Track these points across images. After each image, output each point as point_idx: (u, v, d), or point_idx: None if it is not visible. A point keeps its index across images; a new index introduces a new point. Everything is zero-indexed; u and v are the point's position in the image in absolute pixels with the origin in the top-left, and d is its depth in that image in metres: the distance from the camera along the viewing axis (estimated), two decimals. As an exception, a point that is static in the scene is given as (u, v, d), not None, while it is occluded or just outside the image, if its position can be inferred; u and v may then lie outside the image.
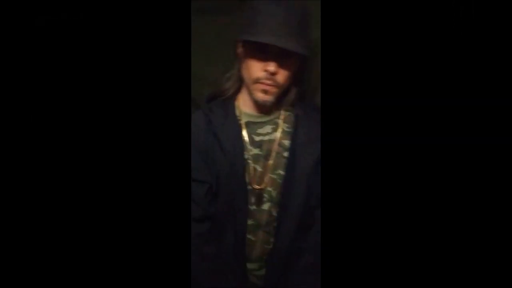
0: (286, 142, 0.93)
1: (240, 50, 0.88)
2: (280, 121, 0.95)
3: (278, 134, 0.93)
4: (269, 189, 0.92)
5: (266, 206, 0.92)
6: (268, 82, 0.86)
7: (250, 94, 0.90)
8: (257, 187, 0.91)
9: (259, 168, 0.92)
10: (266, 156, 0.92)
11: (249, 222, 0.92)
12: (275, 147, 0.93)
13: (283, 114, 0.95)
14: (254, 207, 0.92)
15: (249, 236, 0.93)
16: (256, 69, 0.86)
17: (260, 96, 0.88)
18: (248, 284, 0.95)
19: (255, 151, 0.92)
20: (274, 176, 0.92)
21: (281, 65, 0.85)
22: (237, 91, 0.94)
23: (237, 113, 0.94)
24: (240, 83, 0.93)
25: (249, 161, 0.92)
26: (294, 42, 0.82)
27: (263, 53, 0.84)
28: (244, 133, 0.93)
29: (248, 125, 0.93)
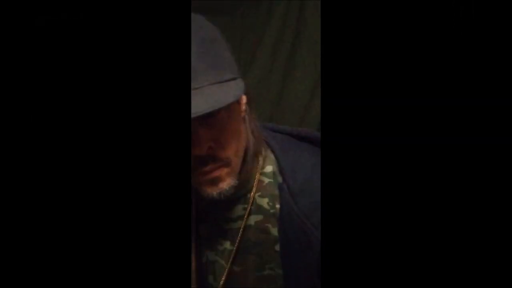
0: (272, 229, 0.66)
1: None
2: (257, 196, 0.67)
3: (258, 217, 0.66)
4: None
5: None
6: (208, 167, 0.61)
7: (198, 192, 0.64)
8: None
9: (236, 268, 0.66)
10: (246, 250, 0.66)
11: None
12: (258, 236, 0.66)
13: (260, 182, 0.67)
14: None
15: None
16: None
17: (210, 190, 0.62)
18: None
19: (225, 245, 0.67)
20: (269, 272, 0.66)
21: (211, 132, 0.61)
22: None
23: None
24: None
25: (216, 260, 0.67)
26: (219, 92, 0.58)
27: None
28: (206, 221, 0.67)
29: (209, 209, 0.68)
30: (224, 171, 0.61)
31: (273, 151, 0.68)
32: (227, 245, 0.66)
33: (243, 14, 1.25)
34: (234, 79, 0.60)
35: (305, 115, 1.24)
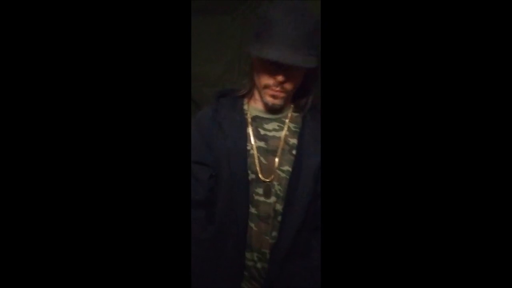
0: (292, 141, 0.98)
1: (253, 61, 0.95)
2: (287, 120, 1.00)
3: (284, 132, 0.99)
4: (275, 183, 0.96)
5: (271, 200, 0.95)
6: (277, 88, 0.93)
7: (261, 97, 0.98)
8: (265, 179, 0.95)
9: (263, 161, 0.96)
10: (273, 152, 0.97)
11: (252, 210, 0.96)
12: (282, 143, 0.97)
13: (290, 114, 1.01)
14: (258, 197, 0.96)
15: (250, 224, 0.96)
16: (266, 77, 0.93)
17: (270, 100, 0.96)
18: (245, 274, 0.98)
19: (260, 143, 0.97)
20: (280, 172, 0.96)
21: (289, 75, 0.92)
22: (249, 92, 1.01)
23: (245, 108, 1.01)
24: (252, 86, 1.00)
25: (253, 152, 0.96)
26: (303, 56, 0.88)
27: (272, 65, 0.89)
28: (250, 126, 0.99)
29: (255, 119, 1.00)
30: (281, 94, 0.95)
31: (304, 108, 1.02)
32: (262, 144, 0.98)
33: (243, 14, 1.25)
34: (314, 55, 0.91)
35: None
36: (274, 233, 0.95)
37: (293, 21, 0.87)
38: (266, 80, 0.92)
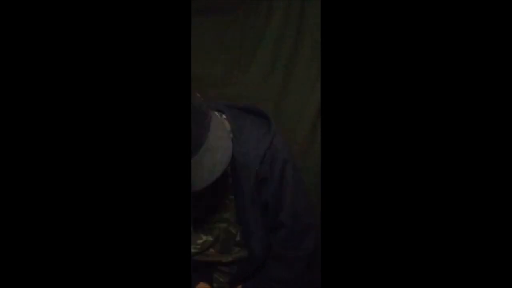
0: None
1: None
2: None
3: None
4: (221, 212, 1.00)
5: (221, 225, 1.01)
6: None
7: None
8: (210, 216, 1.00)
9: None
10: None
11: (206, 238, 1.01)
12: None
13: None
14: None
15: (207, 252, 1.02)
16: None
17: None
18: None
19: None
20: (226, 201, 0.99)
21: None
22: None
23: None
24: None
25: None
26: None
27: None
28: None
29: None
30: None
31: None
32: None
33: (243, 14, 1.25)
34: None
35: (305, 115, 1.23)
36: (235, 249, 1.01)
37: None
38: None
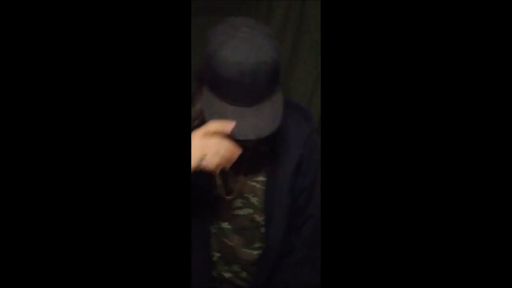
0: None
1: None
2: (250, 196, 0.93)
3: (248, 210, 0.92)
4: (247, 195, 0.92)
5: (244, 212, 0.92)
6: None
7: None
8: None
9: (229, 243, 0.92)
10: (238, 231, 0.92)
11: (224, 225, 0.93)
12: (246, 223, 0.92)
13: (254, 186, 0.93)
14: (231, 211, 0.92)
15: (225, 240, 0.93)
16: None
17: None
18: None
19: (224, 224, 0.93)
20: (254, 183, 0.91)
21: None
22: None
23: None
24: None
25: (214, 232, 0.92)
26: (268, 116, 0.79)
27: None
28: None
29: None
30: None
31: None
32: (225, 225, 0.91)
33: (243, 14, 1.25)
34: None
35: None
36: (258, 244, 0.93)
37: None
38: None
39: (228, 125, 0.76)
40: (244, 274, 0.94)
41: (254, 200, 0.91)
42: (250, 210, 0.91)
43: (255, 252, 0.92)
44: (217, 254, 0.94)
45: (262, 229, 0.91)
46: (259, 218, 0.91)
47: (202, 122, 0.80)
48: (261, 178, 0.91)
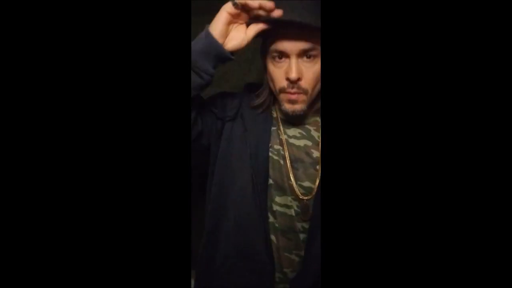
0: (316, 153, 0.88)
1: (263, 57, 0.85)
2: (312, 129, 0.90)
3: (306, 141, 0.89)
4: (291, 197, 0.87)
5: (290, 212, 0.87)
6: (293, 90, 0.82)
7: (280, 105, 0.87)
8: (304, 198, 0.86)
9: (282, 168, 0.87)
10: (291, 162, 0.88)
11: (271, 220, 0.87)
12: (302, 155, 0.88)
13: (318, 121, 0.90)
14: (276, 207, 0.87)
15: (271, 236, 0.87)
16: (278, 78, 0.83)
17: (288, 107, 0.85)
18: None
19: (279, 148, 0.89)
20: (299, 188, 0.87)
21: (303, 68, 0.81)
22: (265, 101, 0.91)
23: (272, 109, 0.92)
24: (272, 96, 0.90)
25: (270, 156, 0.88)
26: (314, 18, 0.77)
27: (282, 56, 0.81)
28: (272, 127, 0.90)
29: (278, 119, 0.90)
30: (301, 97, 0.83)
31: None
32: (281, 149, 0.88)
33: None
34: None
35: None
36: (297, 252, 0.86)
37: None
38: (279, 82, 0.82)
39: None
40: (292, 211, 0.87)
41: (295, 204, 0.87)
42: (294, 213, 0.87)
43: (295, 259, 0.86)
44: (271, 181, 0.88)
45: (302, 237, 0.85)
46: (301, 223, 0.86)
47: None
48: (308, 184, 0.87)
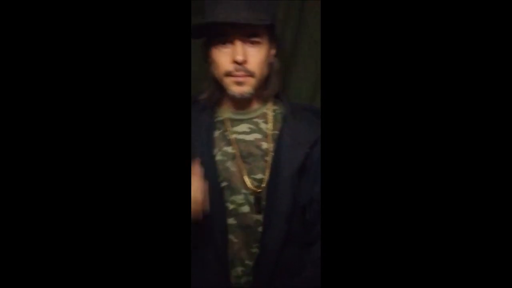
0: (265, 145, 0.90)
1: (206, 49, 0.87)
2: (261, 121, 0.92)
3: (255, 135, 0.90)
4: (247, 192, 0.89)
5: (245, 209, 0.89)
6: (239, 73, 0.83)
7: (227, 90, 0.87)
8: (258, 190, 0.88)
9: (232, 168, 0.89)
10: (243, 157, 0.89)
11: (230, 221, 0.89)
12: (252, 149, 0.90)
13: (266, 113, 0.92)
14: (234, 206, 0.89)
15: (230, 236, 0.89)
16: (224, 62, 0.84)
17: (236, 89, 0.85)
18: None
19: (227, 149, 0.90)
20: (252, 181, 0.89)
21: (249, 52, 0.83)
22: (213, 94, 0.91)
23: (217, 112, 0.92)
24: (219, 88, 0.89)
25: (219, 159, 0.89)
26: (257, 16, 0.80)
27: (226, 41, 0.83)
28: (217, 130, 0.90)
29: (224, 122, 0.91)
30: (248, 79, 0.84)
31: (284, 107, 0.94)
32: (229, 149, 0.89)
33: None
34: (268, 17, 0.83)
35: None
36: (256, 244, 0.88)
37: None
38: (225, 66, 0.83)
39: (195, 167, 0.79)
40: (244, 279, 0.89)
41: (251, 198, 0.88)
42: (248, 208, 0.89)
43: (254, 251, 0.88)
44: (224, 183, 0.89)
45: (260, 229, 0.88)
46: (257, 216, 0.88)
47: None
48: (259, 176, 0.89)
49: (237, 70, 0.83)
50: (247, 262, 0.89)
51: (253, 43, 0.84)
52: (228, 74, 0.84)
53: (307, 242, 0.91)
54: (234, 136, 0.90)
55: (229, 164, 0.89)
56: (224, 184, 0.88)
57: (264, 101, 0.93)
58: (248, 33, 0.83)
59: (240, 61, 0.82)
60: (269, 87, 0.91)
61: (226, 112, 0.92)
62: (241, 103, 0.90)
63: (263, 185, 0.88)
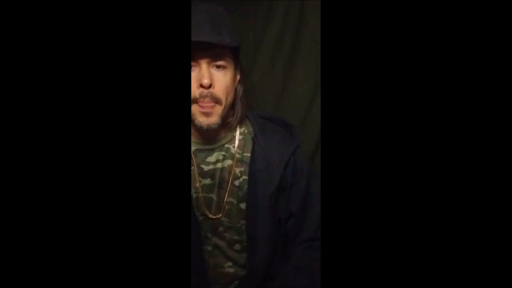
0: (238, 170, 0.91)
1: None
2: (231, 147, 0.92)
3: (229, 161, 0.91)
4: (224, 219, 0.91)
5: (226, 235, 0.92)
6: (206, 100, 0.82)
7: (194, 121, 0.85)
8: (212, 216, 0.91)
9: (214, 198, 0.91)
10: (220, 185, 0.91)
11: (207, 248, 0.92)
12: (227, 175, 0.91)
13: (235, 137, 0.92)
14: (210, 235, 0.92)
15: (208, 260, 0.92)
16: (192, 88, 0.82)
17: (203, 120, 0.84)
18: None
19: (206, 181, 0.91)
20: (227, 206, 0.91)
21: (215, 76, 0.83)
22: None
23: None
24: None
25: (199, 193, 0.90)
26: (222, 38, 0.81)
27: (192, 64, 0.82)
28: (193, 165, 0.90)
29: (196, 154, 0.90)
30: (215, 109, 0.83)
31: (252, 126, 0.94)
32: (207, 181, 0.90)
33: (243, 14, 1.25)
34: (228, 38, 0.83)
35: (306, 115, 1.23)
36: (229, 263, 0.93)
37: (205, 12, 0.82)
38: (192, 92, 0.82)
39: None
40: (226, 237, 0.93)
41: (226, 220, 0.91)
42: (222, 228, 0.92)
43: (231, 270, 0.93)
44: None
45: (237, 247, 0.92)
46: (232, 235, 0.92)
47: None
48: (232, 201, 0.91)
49: (203, 97, 0.82)
50: (227, 281, 0.94)
51: (218, 67, 0.83)
52: (195, 100, 0.83)
53: (284, 244, 0.94)
54: (209, 167, 0.90)
55: (202, 199, 0.90)
56: (201, 218, 0.90)
57: (230, 128, 0.92)
58: (213, 55, 0.82)
59: (206, 85, 0.81)
60: (235, 115, 0.90)
61: (194, 144, 0.90)
62: (209, 133, 0.88)
63: (235, 210, 0.91)
